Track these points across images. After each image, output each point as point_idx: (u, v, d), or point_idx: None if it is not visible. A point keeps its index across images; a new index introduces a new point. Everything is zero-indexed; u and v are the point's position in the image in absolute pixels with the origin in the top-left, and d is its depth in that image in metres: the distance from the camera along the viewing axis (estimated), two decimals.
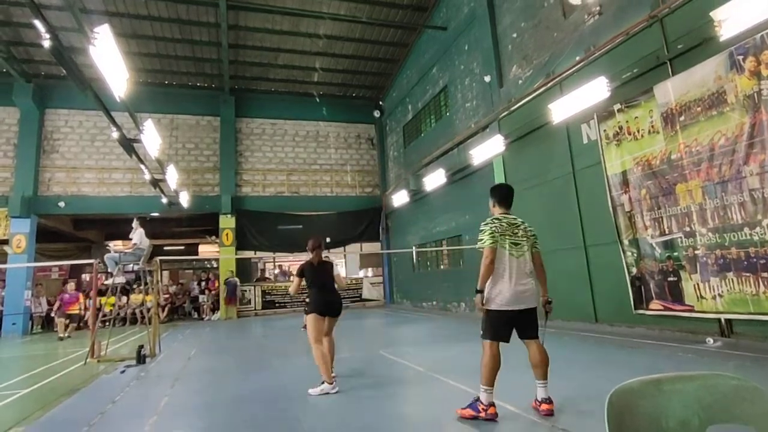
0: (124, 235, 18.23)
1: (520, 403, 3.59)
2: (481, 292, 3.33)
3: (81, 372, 6.43)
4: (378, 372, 5.39)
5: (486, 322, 3.36)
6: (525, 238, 3.45)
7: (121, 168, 15.28)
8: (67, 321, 11.66)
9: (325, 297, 4.77)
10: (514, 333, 3.41)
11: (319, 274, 4.83)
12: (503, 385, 4.06)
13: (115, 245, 18.14)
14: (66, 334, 11.46)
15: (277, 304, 16.53)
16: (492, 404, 3.25)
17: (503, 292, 3.29)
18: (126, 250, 7.65)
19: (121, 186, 15.33)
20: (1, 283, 14.69)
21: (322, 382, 4.35)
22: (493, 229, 3.36)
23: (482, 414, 3.22)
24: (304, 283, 4.80)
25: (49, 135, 14.98)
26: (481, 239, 3.36)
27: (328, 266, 4.98)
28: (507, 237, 3.36)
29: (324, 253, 5.09)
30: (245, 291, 16.35)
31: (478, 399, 3.31)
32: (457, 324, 9.90)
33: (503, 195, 3.65)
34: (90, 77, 8.47)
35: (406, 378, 5.09)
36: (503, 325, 3.33)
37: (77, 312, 12.15)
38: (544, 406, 3.30)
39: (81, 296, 12.58)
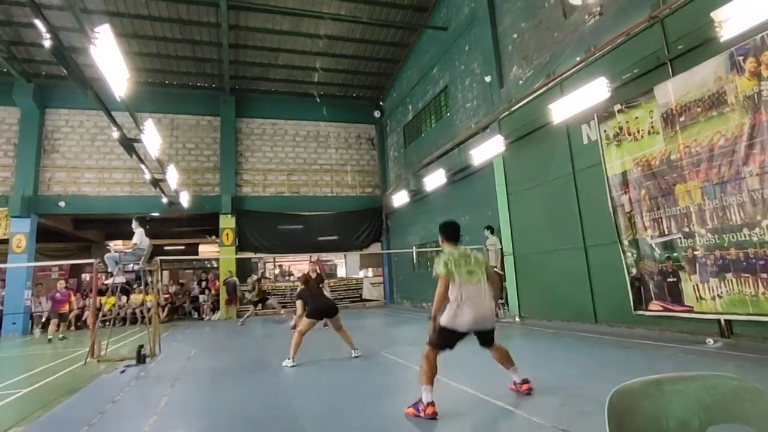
0: (124, 235, 18.27)
1: (520, 403, 3.60)
2: (433, 319, 3.65)
3: (81, 372, 6.43)
4: (378, 372, 5.39)
5: (438, 333, 3.64)
6: (477, 265, 3.73)
7: (121, 168, 15.28)
8: (59, 321, 11.28)
9: (318, 304, 6.26)
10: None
11: (313, 290, 6.61)
12: (502, 386, 4.06)
13: (115, 245, 18.16)
14: (60, 335, 11.16)
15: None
16: (432, 403, 3.46)
17: (463, 317, 3.56)
18: (126, 250, 7.65)
19: (121, 186, 15.33)
20: (1, 283, 14.69)
21: (290, 358, 5.91)
22: (446, 260, 3.65)
23: (421, 413, 3.44)
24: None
25: (49, 135, 14.98)
26: (437, 269, 3.68)
27: (318, 285, 6.81)
28: (462, 266, 3.65)
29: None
30: (245, 291, 16.34)
31: (419, 401, 3.51)
32: None
33: (449, 233, 3.95)
34: (90, 77, 8.48)
35: (406, 378, 5.08)
36: (452, 341, 3.66)
37: (66, 311, 11.72)
38: (524, 386, 3.81)
39: (71, 294, 12.20)
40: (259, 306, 14.09)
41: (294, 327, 9.41)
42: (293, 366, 5.82)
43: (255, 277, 14.82)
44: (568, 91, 7.72)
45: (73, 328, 13.97)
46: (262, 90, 17.57)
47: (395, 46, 16.05)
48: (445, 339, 3.61)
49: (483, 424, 3.27)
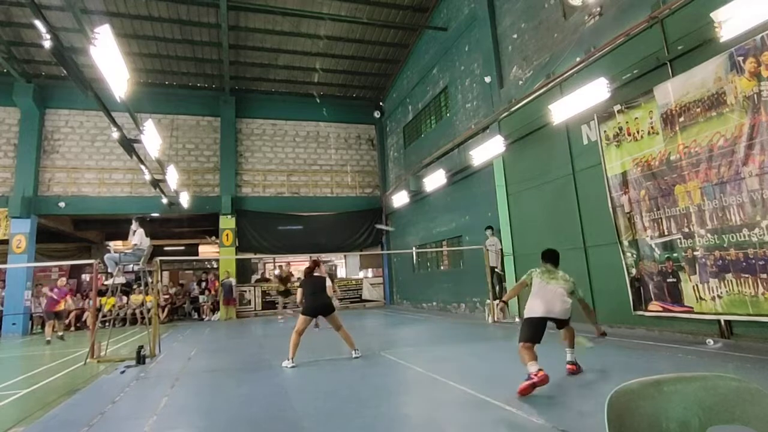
0: (125, 236, 18.22)
1: (520, 404, 3.60)
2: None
3: (81, 372, 6.43)
4: (379, 373, 5.39)
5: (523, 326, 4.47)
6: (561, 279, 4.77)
7: (121, 168, 15.29)
8: (54, 321, 10.84)
9: (312, 301, 6.22)
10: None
11: (310, 286, 6.35)
12: (502, 387, 4.06)
13: (115, 245, 18.16)
14: (60, 334, 10.84)
15: (277, 305, 16.51)
16: (540, 369, 3.94)
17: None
18: (126, 251, 7.65)
19: (121, 186, 15.33)
20: (1, 284, 14.68)
21: (289, 359, 5.91)
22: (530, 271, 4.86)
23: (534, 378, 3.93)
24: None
25: (49, 135, 14.98)
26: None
27: (320, 279, 6.49)
28: (545, 275, 4.76)
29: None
30: (245, 292, 16.36)
31: (528, 377, 3.97)
32: (456, 325, 9.90)
33: (547, 256, 4.96)
34: (90, 77, 8.47)
35: (407, 379, 5.09)
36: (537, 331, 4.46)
37: (62, 309, 11.33)
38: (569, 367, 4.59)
39: (68, 294, 11.88)
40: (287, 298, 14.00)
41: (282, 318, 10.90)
42: (293, 366, 5.83)
43: (278, 272, 15.02)
44: (568, 91, 7.72)
45: (72, 328, 13.98)
46: (262, 90, 17.57)
47: (395, 47, 16.06)
48: (526, 329, 4.32)
49: (483, 425, 3.27)
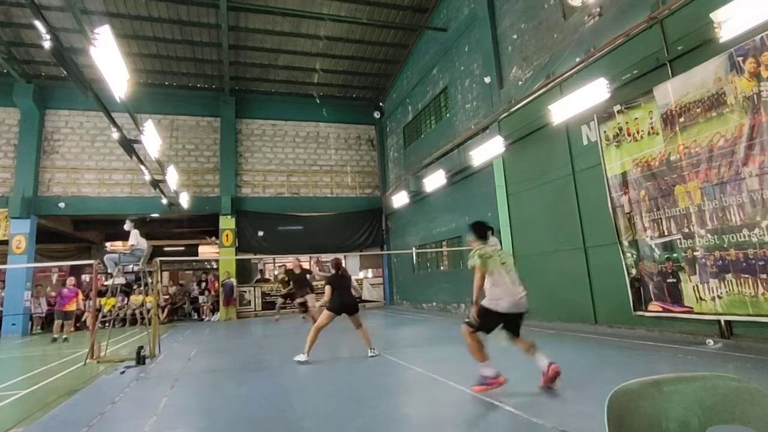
0: (124, 236, 18.20)
1: (520, 404, 3.59)
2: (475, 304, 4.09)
3: (80, 373, 6.43)
4: (379, 374, 5.38)
5: (481, 316, 4.06)
6: (507, 258, 4.39)
7: (121, 169, 15.29)
8: (62, 321, 10.98)
9: (343, 298, 6.27)
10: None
11: (339, 284, 6.37)
12: (506, 388, 4.06)
13: (113, 246, 18.16)
14: (63, 335, 10.90)
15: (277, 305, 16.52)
16: (497, 374, 3.90)
17: (502, 301, 4.07)
18: (125, 251, 7.64)
19: (121, 187, 15.33)
20: (0, 284, 14.67)
21: (305, 353, 6.03)
22: (481, 254, 4.12)
23: (492, 386, 3.84)
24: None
25: (49, 136, 14.98)
26: (472, 262, 4.14)
27: (348, 278, 6.58)
28: (495, 258, 4.21)
29: (322, 258, 5.88)
30: (245, 292, 16.35)
31: (482, 380, 3.89)
32: (456, 325, 9.87)
33: (479, 231, 4.45)
34: (90, 78, 8.47)
35: (407, 380, 5.09)
36: (493, 323, 4.12)
37: (74, 309, 11.54)
38: (552, 367, 3.96)
39: (80, 292, 12.14)
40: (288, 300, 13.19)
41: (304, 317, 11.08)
42: (305, 362, 5.93)
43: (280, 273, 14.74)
44: (568, 91, 7.72)
45: (72, 329, 13.96)
46: (262, 91, 17.58)
47: (395, 47, 16.06)
48: (490, 322, 3.99)
49: (483, 425, 3.27)
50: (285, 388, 4.84)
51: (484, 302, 4.01)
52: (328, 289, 6.40)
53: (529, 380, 4.10)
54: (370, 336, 6.53)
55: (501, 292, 4.00)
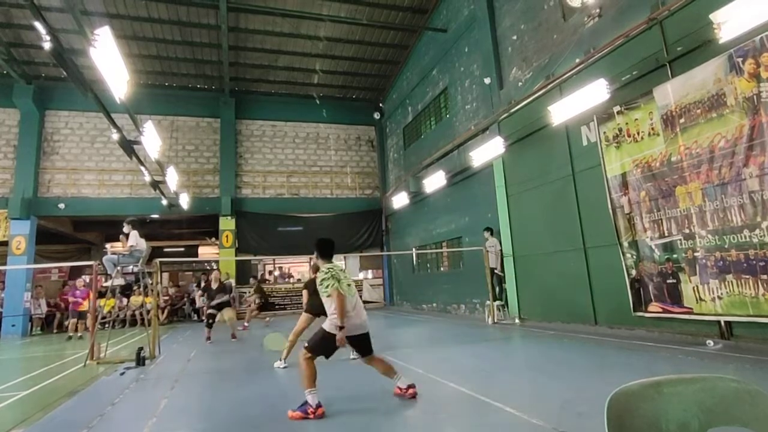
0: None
1: (520, 405, 3.59)
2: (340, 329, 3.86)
3: (80, 374, 6.42)
4: (378, 375, 5.37)
5: (323, 340, 3.94)
6: (350, 280, 4.17)
7: (121, 170, 15.29)
8: (77, 320, 11.72)
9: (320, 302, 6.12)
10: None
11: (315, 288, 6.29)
12: (501, 388, 4.06)
13: (113, 246, 18.13)
14: (79, 334, 11.50)
15: (277, 306, 16.51)
16: (320, 405, 3.69)
17: (349, 322, 3.91)
18: (124, 252, 7.63)
19: (121, 188, 15.34)
20: (0, 285, 14.67)
21: (282, 359, 5.97)
22: (334, 275, 3.96)
23: (311, 416, 3.65)
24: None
25: (49, 136, 14.99)
26: (329, 285, 3.90)
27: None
28: (343, 280, 4.00)
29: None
30: (244, 293, 16.32)
31: (305, 403, 3.71)
32: (456, 326, 9.89)
33: (326, 250, 4.29)
34: (90, 79, 8.49)
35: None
36: (333, 348, 3.97)
37: (87, 309, 11.79)
38: (410, 390, 3.98)
39: (89, 293, 12.36)
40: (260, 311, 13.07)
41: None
42: (285, 367, 5.90)
43: (254, 282, 14.44)
44: (568, 92, 7.72)
45: (84, 327, 14.03)
46: (261, 92, 17.59)
47: (395, 48, 16.08)
48: (329, 346, 3.91)
49: (483, 427, 3.27)
50: (285, 389, 4.84)
51: (325, 325, 3.95)
52: (305, 293, 6.45)
53: (529, 381, 4.11)
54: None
55: (349, 314, 3.91)
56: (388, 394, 4.43)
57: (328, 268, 3.98)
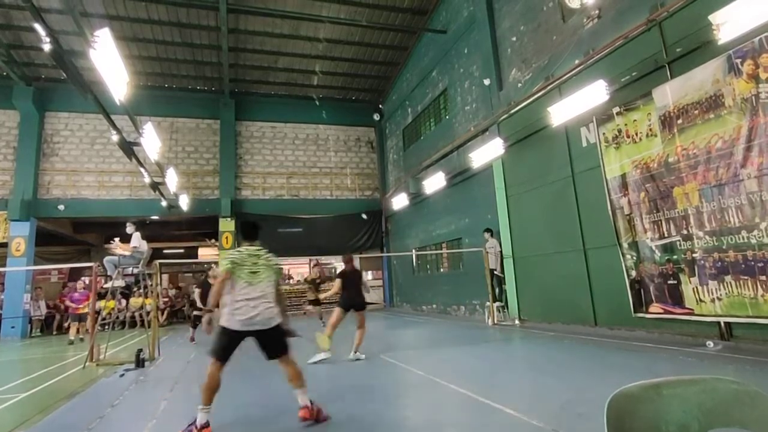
0: (125, 238, 18.19)
1: (519, 407, 3.59)
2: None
3: (80, 376, 6.42)
4: (378, 376, 5.38)
5: (218, 336, 3.69)
6: (266, 267, 3.74)
7: (120, 171, 15.28)
8: (78, 323, 11.45)
9: (352, 295, 6.50)
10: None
11: (350, 280, 6.57)
12: (501, 389, 4.06)
13: (113, 247, 18.10)
14: (80, 336, 11.28)
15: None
16: (207, 425, 3.39)
17: (238, 316, 3.61)
18: (125, 253, 7.64)
19: (120, 189, 15.33)
20: (0, 287, 14.66)
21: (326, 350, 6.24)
22: (232, 258, 3.65)
23: None
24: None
25: (48, 138, 14.98)
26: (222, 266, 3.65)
27: (358, 274, 6.75)
28: (246, 266, 3.65)
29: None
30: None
31: (193, 422, 3.40)
32: (456, 327, 9.89)
33: (246, 232, 3.97)
34: (90, 80, 8.49)
35: (407, 382, 5.08)
36: (231, 345, 3.70)
37: (87, 312, 11.59)
38: (300, 412, 3.61)
39: (89, 295, 12.36)
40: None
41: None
42: (324, 359, 6.18)
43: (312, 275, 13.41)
44: (567, 93, 7.73)
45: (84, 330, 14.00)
46: (261, 93, 17.59)
47: (394, 49, 16.09)
48: (225, 343, 3.61)
49: (483, 428, 3.27)
50: (285, 389, 4.82)
51: (222, 320, 3.61)
52: (336, 283, 6.56)
53: (529, 382, 4.11)
54: (365, 340, 6.56)
55: (238, 305, 3.54)
56: (393, 395, 4.43)
57: (238, 252, 3.71)
